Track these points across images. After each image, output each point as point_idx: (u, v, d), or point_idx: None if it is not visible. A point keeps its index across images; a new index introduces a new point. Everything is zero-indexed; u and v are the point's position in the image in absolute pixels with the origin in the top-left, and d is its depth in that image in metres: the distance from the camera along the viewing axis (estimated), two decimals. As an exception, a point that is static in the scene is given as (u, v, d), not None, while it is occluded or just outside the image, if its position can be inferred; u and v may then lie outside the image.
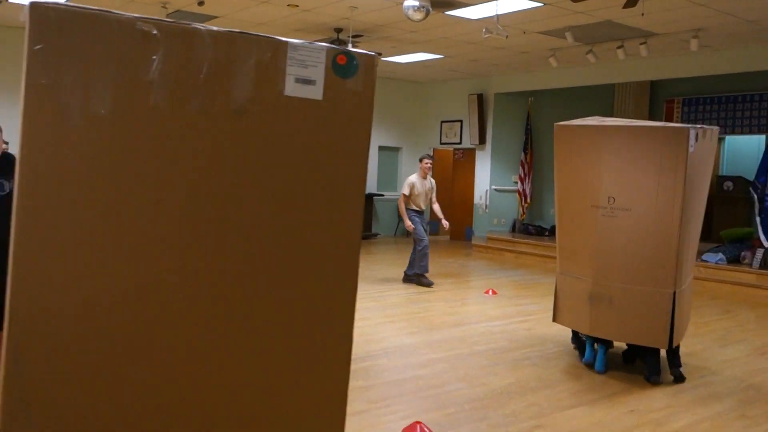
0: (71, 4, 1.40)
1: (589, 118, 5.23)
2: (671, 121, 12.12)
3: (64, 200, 1.41)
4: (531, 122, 13.31)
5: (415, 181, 8.29)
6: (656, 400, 4.23)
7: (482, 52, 10.73)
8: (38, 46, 1.35)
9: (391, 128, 14.35)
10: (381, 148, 14.23)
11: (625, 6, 6.75)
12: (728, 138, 12.44)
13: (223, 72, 1.50)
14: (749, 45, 9.35)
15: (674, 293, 4.45)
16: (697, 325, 6.56)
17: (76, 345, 1.43)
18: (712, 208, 11.94)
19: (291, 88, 1.57)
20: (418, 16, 7.37)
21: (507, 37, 8.55)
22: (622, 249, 4.61)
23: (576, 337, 5.34)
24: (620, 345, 5.37)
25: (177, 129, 1.49)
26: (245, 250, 1.59)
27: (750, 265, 8.89)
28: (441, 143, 14.27)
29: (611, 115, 12.16)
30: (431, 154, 10.01)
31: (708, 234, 12.06)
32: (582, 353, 5.07)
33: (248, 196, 1.57)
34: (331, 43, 9.48)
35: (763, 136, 11.32)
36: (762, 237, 8.55)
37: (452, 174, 14.51)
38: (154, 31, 1.43)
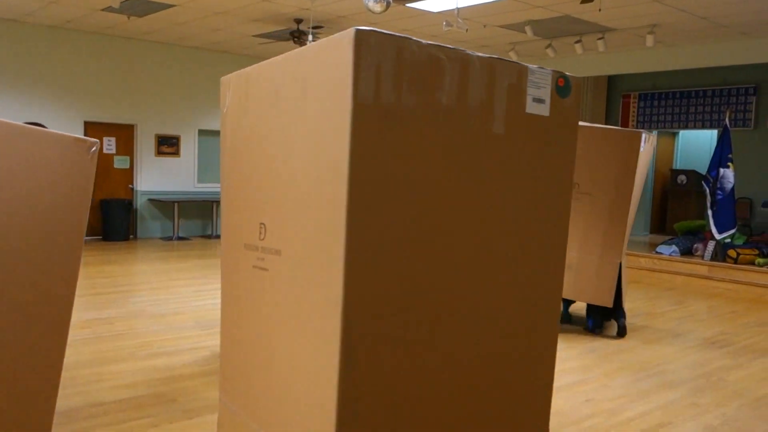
0: (385, 31, 1.61)
1: None
2: (628, 115, 12.35)
3: (384, 204, 1.62)
4: (491, 116, 13.38)
5: None
6: (612, 389, 4.31)
7: (443, 45, 10.75)
8: (364, 68, 1.56)
9: (352, 121, 14.29)
10: (342, 141, 14.16)
11: (583, 1, 6.83)
12: (682, 132, 12.73)
13: (487, 91, 1.80)
14: (703, 41, 9.56)
15: (620, 263, 5.48)
16: (651, 315, 6.70)
17: (398, 337, 1.66)
18: (666, 200, 12.21)
19: (530, 106, 1.90)
20: (379, 8, 7.34)
21: (467, 30, 8.58)
22: (581, 226, 5.62)
23: None
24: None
25: (461, 140, 1.76)
26: (497, 247, 1.89)
27: (702, 257, 9.12)
28: (402, 136, 14.26)
29: (569, 109, 12.34)
30: None
31: (662, 226, 12.34)
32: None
33: (503, 198, 1.87)
34: (291, 34, 9.37)
35: (716, 131, 11.60)
36: (713, 230, 8.76)
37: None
38: (442, 56, 1.69)
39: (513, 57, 10.34)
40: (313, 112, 1.69)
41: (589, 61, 10.79)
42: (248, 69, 2.06)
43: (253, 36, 10.50)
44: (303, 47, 1.76)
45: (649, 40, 8.79)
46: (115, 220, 10.96)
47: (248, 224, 1.99)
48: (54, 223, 2.18)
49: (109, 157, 11.26)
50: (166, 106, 11.73)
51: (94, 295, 6.70)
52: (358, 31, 1.53)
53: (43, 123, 3.53)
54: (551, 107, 1.93)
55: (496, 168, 1.84)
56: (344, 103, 1.56)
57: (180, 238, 11.75)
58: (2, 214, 2.07)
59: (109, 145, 11.25)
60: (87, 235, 11.02)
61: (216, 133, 12.52)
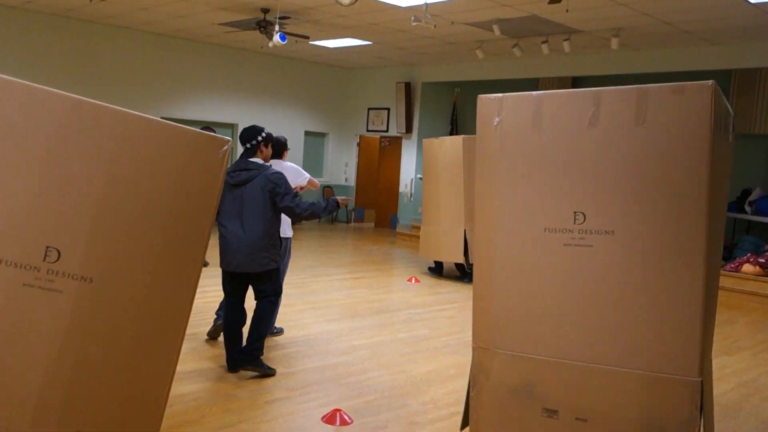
0: (708, 82, 2.53)
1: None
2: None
3: (715, 196, 2.61)
4: (457, 112, 13.45)
5: None
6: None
7: (410, 41, 10.74)
8: (716, 108, 2.48)
9: (317, 113, 14.21)
10: (307, 134, 14.09)
11: (551, 2, 6.88)
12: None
13: (726, 120, 2.77)
14: (666, 46, 9.73)
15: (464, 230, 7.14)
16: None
17: (712, 293, 2.89)
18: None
19: (728, 135, 2.85)
20: (347, 0, 7.28)
21: (435, 26, 8.58)
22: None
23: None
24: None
25: (723, 149, 2.70)
26: (718, 230, 2.92)
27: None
28: (368, 130, 14.24)
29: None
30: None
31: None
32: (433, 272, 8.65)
33: (717, 199, 2.69)
34: (258, 23, 9.25)
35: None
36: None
37: (378, 162, 14.51)
38: (724, 103, 2.71)
39: (479, 55, 10.38)
40: (656, 134, 2.53)
41: (554, 62, 10.90)
42: (534, 93, 2.87)
43: (219, 24, 10.34)
44: (638, 87, 2.56)
45: (614, 43, 8.91)
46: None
47: (553, 212, 2.73)
48: (179, 221, 2.15)
49: (67, 143, 10.98)
50: (128, 93, 11.49)
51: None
52: (714, 83, 2.46)
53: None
54: (732, 134, 2.99)
55: (726, 168, 2.91)
56: (704, 131, 2.46)
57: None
58: (128, 211, 2.04)
59: (68, 130, 10.97)
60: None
61: (180, 122, 12.27)
